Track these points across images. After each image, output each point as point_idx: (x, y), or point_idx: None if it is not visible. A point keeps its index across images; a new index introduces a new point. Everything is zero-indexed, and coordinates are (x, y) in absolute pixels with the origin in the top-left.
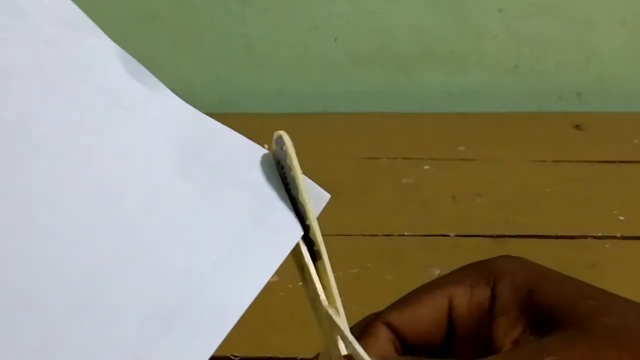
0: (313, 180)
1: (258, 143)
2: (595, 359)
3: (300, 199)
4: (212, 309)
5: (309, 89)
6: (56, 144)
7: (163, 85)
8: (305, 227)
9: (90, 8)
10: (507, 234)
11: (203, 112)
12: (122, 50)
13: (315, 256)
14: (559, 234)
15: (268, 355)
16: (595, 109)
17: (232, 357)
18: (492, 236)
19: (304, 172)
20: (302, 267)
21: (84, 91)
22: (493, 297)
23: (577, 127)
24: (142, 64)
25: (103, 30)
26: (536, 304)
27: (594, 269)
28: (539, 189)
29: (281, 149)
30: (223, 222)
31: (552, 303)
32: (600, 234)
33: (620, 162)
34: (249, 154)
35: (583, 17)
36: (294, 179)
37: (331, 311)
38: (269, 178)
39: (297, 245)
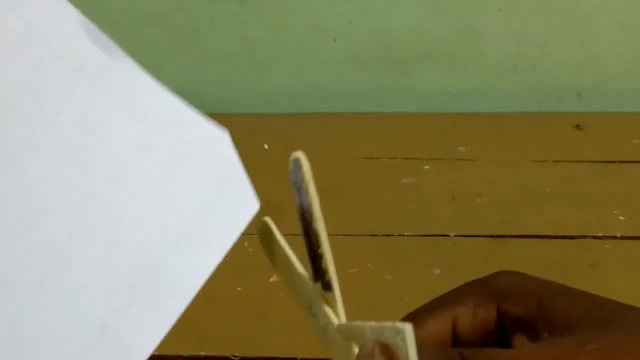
0: (314, 180)
1: (258, 143)
2: (637, 349)
3: (314, 226)
4: (175, 278)
5: (309, 89)
6: (14, 111)
7: (125, 54)
8: (318, 255)
9: (90, 8)
10: (507, 234)
11: (203, 112)
12: (84, 17)
13: (327, 286)
14: (559, 234)
15: (268, 355)
16: (595, 109)
17: (232, 357)
18: (492, 236)
19: None
20: (310, 305)
21: (44, 58)
22: (501, 316)
23: (577, 127)
24: (142, 64)
25: (103, 30)
26: (550, 313)
27: (594, 269)
28: (539, 189)
29: (298, 170)
30: (183, 195)
31: (567, 310)
32: (600, 234)
33: (620, 162)
34: (208, 132)
35: (583, 17)
36: (310, 204)
37: (346, 324)
38: (226, 154)
39: (303, 281)
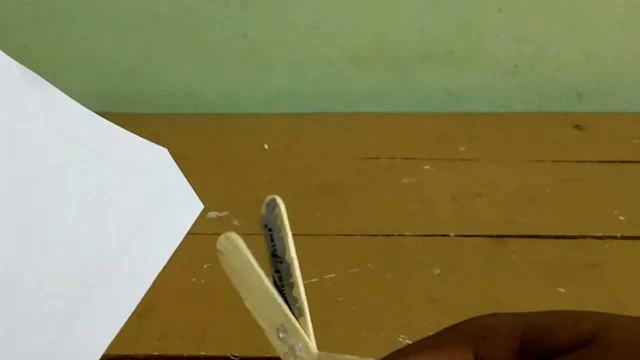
0: (312, 181)
1: (258, 143)
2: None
3: (287, 257)
4: (128, 277)
5: (309, 89)
6: None
7: (57, 89)
8: (289, 285)
9: (90, 8)
10: (507, 234)
11: (203, 112)
12: (13, 60)
13: (297, 313)
14: (559, 234)
15: (268, 355)
16: (595, 109)
17: (232, 357)
18: (492, 236)
19: (305, 171)
20: (279, 328)
21: None
22: None
23: (577, 127)
24: (142, 64)
25: (104, 30)
26: (534, 348)
27: (594, 269)
28: (539, 189)
29: (272, 211)
30: (132, 204)
31: (553, 337)
32: (600, 234)
33: (620, 162)
34: (146, 148)
35: (583, 17)
36: (282, 239)
37: (326, 354)
38: (166, 165)
39: (278, 305)
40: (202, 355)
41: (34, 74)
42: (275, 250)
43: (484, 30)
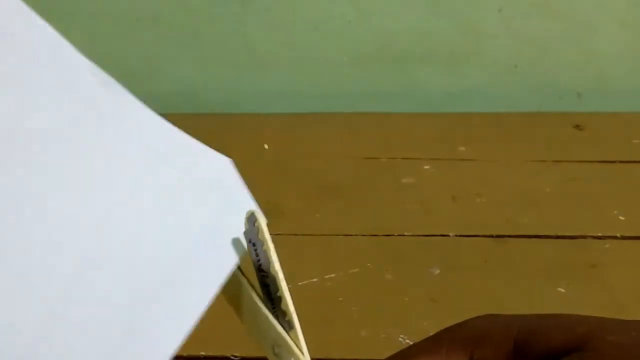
0: (312, 181)
1: (258, 143)
2: None
3: (272, 271)
4: (190, 285)
5: (309, 89)
6: (32, 151)
7: (126, 90)
8: (277, 299)
9: (90, 9)
10: (507, 234)
11: (204, 113)
12: (92, 63)
13: (287, 326)
14: (559, 234)
15: None
16: (595, 109)
17: (232, 357)
18: (492, 236)
19: (305, 171)
20: (273, 344)
21: (58, 101)
22: None
23: (577, 127)
24: (142, 64)
25: (104, 30)
26: (528, 351)
27: (594, 269)
28: (539, 189)
29: (253, 225)
30: (194, 212)
31: (546, 341)
32: (600, 234)
33: (620, 162)
34: (211, 158)
35: (583, 18)
36: (265, 252)
37: None
38: (230, 177)
39: (269, 321)
40: (202, 355)
41: (104, 73)
42: (260, 265)
43: (484, 30)
